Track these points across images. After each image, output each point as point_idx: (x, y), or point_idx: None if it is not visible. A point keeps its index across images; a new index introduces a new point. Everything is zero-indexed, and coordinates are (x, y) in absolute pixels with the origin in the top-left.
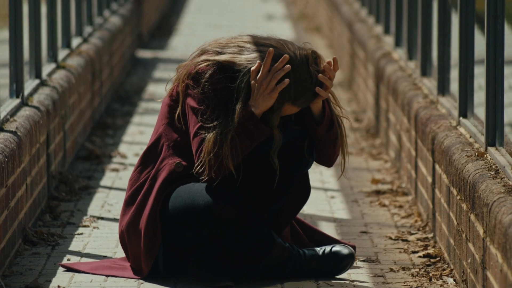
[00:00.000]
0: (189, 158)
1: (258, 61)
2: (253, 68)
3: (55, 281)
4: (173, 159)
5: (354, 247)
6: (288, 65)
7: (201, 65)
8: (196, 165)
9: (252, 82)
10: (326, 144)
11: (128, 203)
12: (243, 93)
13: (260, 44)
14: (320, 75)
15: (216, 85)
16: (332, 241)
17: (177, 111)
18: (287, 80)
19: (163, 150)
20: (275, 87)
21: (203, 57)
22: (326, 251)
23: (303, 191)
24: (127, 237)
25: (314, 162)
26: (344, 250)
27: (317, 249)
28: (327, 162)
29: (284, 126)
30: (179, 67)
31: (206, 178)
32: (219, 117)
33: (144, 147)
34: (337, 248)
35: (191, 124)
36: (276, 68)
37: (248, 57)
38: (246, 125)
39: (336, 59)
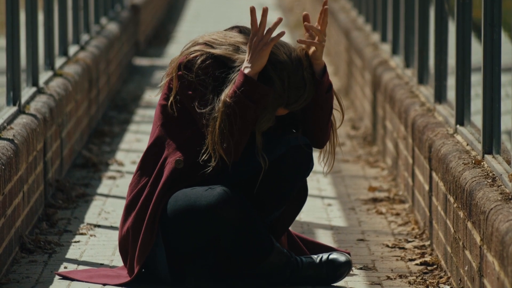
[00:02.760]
0: (190, 152)
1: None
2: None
3: None
4: (174, 157)
5: (348, 254)
6: (280, 17)
7: (192, 54)
8: (202, 152)
9: (248, 44)
10: (324, 109)
11: (129, 208)
12: (233, 81)
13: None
14: (299, 39)
15: (209, 69)
16: (328, 249)
17: (170, 99)
18: (282, 32)
19: (164, 150)
20: (268, 41)
21: (196, 47)
22: (323, 259)
23: (300, 195)
24: (130, 241)
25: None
26: (341, 258)
27: (314, 256)
28: (320, 139)
29: (278, 133)
30: (171, 61)
31: (215, 164)
32: (214, 100)
33: (141, 155)
34: (334, 255)
35: (197, 116)
36: (270, 28)
37: (243, 58)
38: (244, 89)
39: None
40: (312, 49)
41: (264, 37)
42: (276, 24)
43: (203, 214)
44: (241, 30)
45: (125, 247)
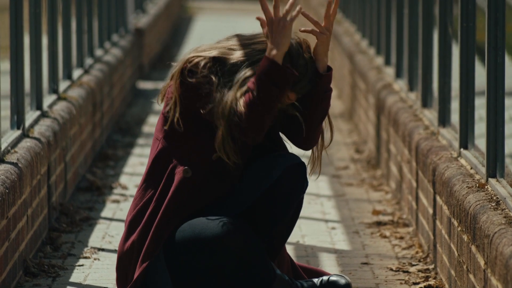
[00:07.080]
0: (197, 161)
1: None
2: (259, 17)
3: None
4: (181, 167)
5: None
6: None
7: (194, 60)
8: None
9: (264, 30)
10: (318, 109)
11: (133, 223)
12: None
13: (248, 43)
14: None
15: (213, 68)
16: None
17: (176, 116)
18: (300, 8)
19: (170, 162)
20: (289, 19)
21: (193, 53)
22: (323, 281)
23: (295, 209)
24: (134, 256)
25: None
26: (342, 280)
27: (315, 280)
28: (309, 139)
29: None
30: (170, 78)
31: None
32: (223, 92)
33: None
34: (334, 278)
35: (207, 116)
36: (287, 9)
37: (239, 55)
38: (269, 73)
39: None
40: (319, 44)
41: (283, 18)
42: (291, 5)
43: (208, 244)
44: (227, 38)
45: (123, 263)
